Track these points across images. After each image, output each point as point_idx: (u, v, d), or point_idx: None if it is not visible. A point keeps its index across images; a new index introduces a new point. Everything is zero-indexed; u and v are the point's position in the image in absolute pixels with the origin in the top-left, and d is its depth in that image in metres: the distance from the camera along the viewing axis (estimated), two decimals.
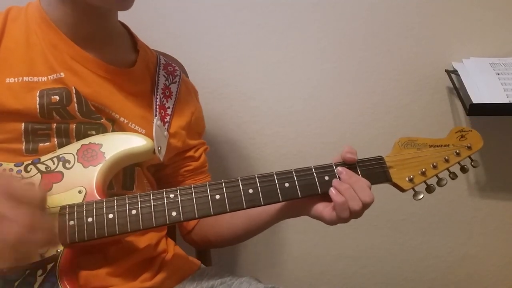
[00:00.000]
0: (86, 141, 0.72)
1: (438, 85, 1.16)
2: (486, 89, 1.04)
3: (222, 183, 0.69)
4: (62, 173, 0.69)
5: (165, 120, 0.82)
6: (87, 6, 0.70)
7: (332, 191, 0.69)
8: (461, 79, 1.07)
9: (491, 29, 1.13)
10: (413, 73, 1.16)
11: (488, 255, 1.29)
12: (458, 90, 1.10)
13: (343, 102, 1.17)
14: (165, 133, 0.80)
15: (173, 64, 0.91)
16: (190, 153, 0.88)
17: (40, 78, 0.71)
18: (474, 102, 1.01)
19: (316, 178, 0.70)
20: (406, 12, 1.13)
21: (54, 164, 0.69)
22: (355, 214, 0.68)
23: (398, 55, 1.15)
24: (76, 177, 0.68)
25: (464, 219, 1.26)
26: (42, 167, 0.69)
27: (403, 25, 1.13)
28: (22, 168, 0.69)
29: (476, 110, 1.01)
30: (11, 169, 0.68)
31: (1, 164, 0.69)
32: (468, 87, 1.05)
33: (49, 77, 0.72)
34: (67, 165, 0.69)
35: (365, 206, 0.68)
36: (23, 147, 0.70)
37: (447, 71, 1.13)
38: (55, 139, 0.72)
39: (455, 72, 1.11)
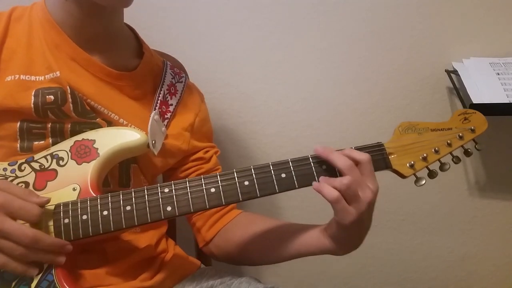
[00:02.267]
0: (79, 137, 0.71)
1: (438, 85, 1.16)
2: (486, 89, 1.04)
3: (217, 176, 0.67)
4: (56, 171, 0.68)
5: (165, 116, 0.81)
6: (91, 6, 0.69)
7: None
8: (461, 79, 1.07)
9: (491, 29, 1.13)
10: (413, 73, 1.16)
11: (488, 255, 1.29)
12: (458, 90, 1.10)
13: (343, 102, 1.17)
14: (163, 128, 0.79)
15: (179, 68, 0.91)
16: (200, 154, 0.87)
17: (37, 77, 0.71)
18: (474, 102, 1.00)
19: (313, 167, 0.68)
20: (406, 12, 1.13)
21: (47, 162, 0.69)
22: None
23: (398, 55, 1.15)
24: (70, 175, 0.68)
25: (464, 219, 1.26)
26: (36, 165, 0.69)
27: (403, 25, 1.13)
28: (16, 167, 0.69)
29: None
30: (5, 169, 0.68)
31: None
32: (468, 87, 1.05)
33: (46, 76, 0.71)
34: (60, 162, 0.69)
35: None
36: (18, 145, 0.70)
37: (447, 71, 1.13)
38: (50, 139, 0.71)
39: (455, 72, 1.11)
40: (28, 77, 0.71)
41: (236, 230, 0.83)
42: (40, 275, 0.62)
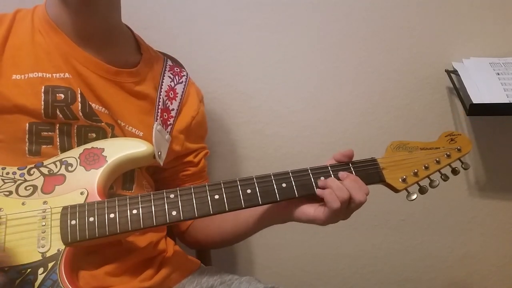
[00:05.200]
0: (88, 145, 0.74)
1: (438, 85, 1.16)
2: (486, 89, 1.04)
3: (221, 184, 0.70)
4: (64, 176, 0.70)
5: (168, 122, 0.82)
6: (76, 4, 0.72)
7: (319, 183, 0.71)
8: (461, 79, 1.07)
9: (491, 29, 1.13)
10: (413, 73, 1.16)
11: (488, 255, 1.29)
12: (458, 90, 1.10)
13: (343, 102, 1.17)
14: (167, 136, 0.81)
15: (180, 67, 0.91)
16: (190, 158, 0.88)
17: (44, 74, 0.72)
18: (474, 102, 1.01)
19: (312, 178, 0.72)
20: (406, 12, 1.13)
21: (57, 167, 0.71)
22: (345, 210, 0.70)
23: (398, 55, 1.15)
24: (78, 180, 0.70)
25: (464, 219, 1.26)
26: (45, 170, 0.70)
27: (403, 25, 1.13)
28: (25, 171, 0.70)
29: (476, 110, 1.01)
30: (14, 172, 0.70)
31: (5, 168, 0.70)
32: (468, 87, 1.05)
33: (54, 75, 0.73)
34: (69, 168, 0.71)
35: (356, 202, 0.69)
36: (26, 148, 0.71)
37: (447, 71, 1.13)
38: (58, 141, 0.73)
39: (455, 72, 1.11)
40: (36, 74, 0.72)
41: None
42: (45, 274, 0.62)
